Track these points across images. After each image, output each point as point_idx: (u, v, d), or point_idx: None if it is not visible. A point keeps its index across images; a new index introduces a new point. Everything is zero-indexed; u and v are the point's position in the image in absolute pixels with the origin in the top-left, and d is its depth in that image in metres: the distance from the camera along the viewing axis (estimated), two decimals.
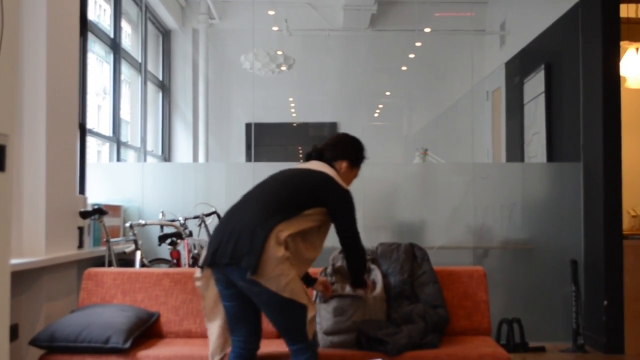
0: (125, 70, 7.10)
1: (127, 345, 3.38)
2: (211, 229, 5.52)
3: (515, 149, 7.42)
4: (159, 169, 6.26)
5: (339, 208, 3.05)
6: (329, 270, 3.85)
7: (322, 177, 3.08)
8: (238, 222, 2.92)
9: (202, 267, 3.03)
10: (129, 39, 7.43)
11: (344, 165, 3.24)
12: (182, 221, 5.24)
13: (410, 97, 9.14)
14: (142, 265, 4.69)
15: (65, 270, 4.27)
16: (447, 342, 3.62)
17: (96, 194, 5.38)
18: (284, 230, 2.83)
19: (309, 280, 3.39)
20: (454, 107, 8.75)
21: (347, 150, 3.29)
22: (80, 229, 4.56)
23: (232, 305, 3.01)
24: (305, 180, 3.08)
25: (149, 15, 7.72)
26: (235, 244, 2.82)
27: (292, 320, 2.89)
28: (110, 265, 4.58)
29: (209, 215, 5.51)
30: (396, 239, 5.50)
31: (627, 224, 5.87)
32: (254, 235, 2.79)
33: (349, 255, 3.16)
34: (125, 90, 7.22)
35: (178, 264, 4.92)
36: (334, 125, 8.81)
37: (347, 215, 3.08)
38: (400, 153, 9.39)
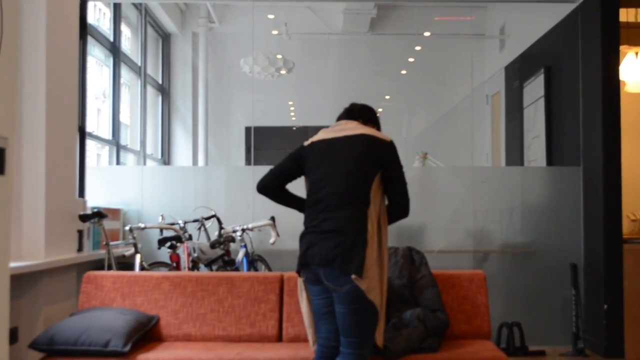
0: (125, 73, 7.10)
1: (127, 348, 3.37)
2: (210, 233, 5.52)
3: (515, 153, 7.42)
4: (158, 173, 6.26)
5: (392, 160, 3.14)
6: None
7: (370, 139, 3.12)
8: (329, 226, 2.96)
9: (299, 273, 3.13)
10: (128, 43, 7.43)
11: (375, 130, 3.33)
12: (181, 224, 5.23)
13: (410, 101, 9.15)
14: (142, 268, 4.68)
15: (64, 274, 4.26)
16: (447, 346, 3.62)
17: (96, 197, 5.38)
18: (372, 220, 2.95)
19: None
20: (453, 111, 8.75)
21: (375, 118, 3.40)
22: (80, 232, 4.56)
23: (321, 299, 3.06)
24: (363, 150, 3.09)
25: (148, 19, 7.73)
26: (330, 247, 2.91)
27: (366, 321, 2.94)
28: (109, 268, 4.57)
29: (208, 218, 5.50)
30: (396, 243, 5.48)
31: (626, 228, 5.87)
32: (355, 239, 2.89)
33: (400, 213, 3.20)
34: (124, 94, 7.22)
35: (177, 268, 4.92)
36: None
37: (399, 164, 3.17)
38: (400, 157, 9.37)
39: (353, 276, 2.82)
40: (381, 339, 3.04)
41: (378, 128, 3.36)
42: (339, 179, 3.03)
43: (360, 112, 3.32)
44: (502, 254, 5.80)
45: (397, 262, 4.04)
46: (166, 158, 8.39)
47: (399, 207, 3.16)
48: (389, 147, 3.13)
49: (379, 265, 2.97)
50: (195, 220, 5.45)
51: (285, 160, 3.29)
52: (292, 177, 3.29)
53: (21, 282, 3.79)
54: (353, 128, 3.16)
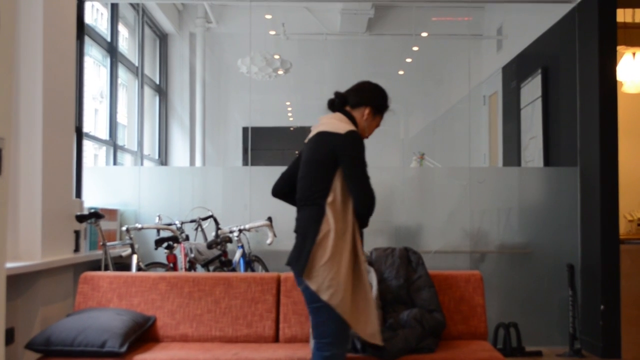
0: (122, 74, 7.10)
1: (123, 349, 3.37)
2: (208, 233, 5.51)
3: (512, 154, 7.43)
4: (155, 173, 6.25)
5: (344, 153, 2.93)
6: None
7: (324, 136, 3.00)
8: (295, 227, 3.03)
9: None
10: (126, 43, 7.42)
11: (366, 112, 3.14)
12: (178, 225, 5.23)
13: (407, 102, 9.15)
14: (139, 269, 4.68)
15: (61, 274, 4.26)
16: (444, 347, 3.62)
17: (93, 198, 5.38)
18: (330, 220, 2.87)
19: None
20: (451, 111, 8.76)
21: (370, 96, 3.19)
22: (77, 233, 4.56)
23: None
24: (317, 150, 3.01)
25: (146, 19, 7.72)
26: (293, 248, 2.97)
27: (324, 322, 2.90)
28: (106, 269, 4.57)
29: (205, 219, 5.50)
30: (393, 243, 5.49)
31: (623, 228, 5.88)
32: (305, 239, 2.91)
33: (359, 211, 2.96)
34: (122, 94, 7.21)
35: (174, 268, 4.91)
36: None
37: (351, 156, 2.94)
38: (397, 157, 9.40)
39: (304, 276, 2.85)
40: (364, 332, 2.92)
41: (374, 105, 3.17)
42: (301, 182, 3.04)
43: (347, 98, 3.16)
44: (499, 255, 5.80)
45: (394, 263, 4.04)
46: (163, 158, 8.39)
47: (356, 203, 2.93)
48: (340, 140, 2.95)
49: (344, 265, 2.85)
50: (192, 221, 5.45)
51: (291, 162, 3.27)
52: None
53: (18, 282, 3.79)
54: (319, 125, 3.09)
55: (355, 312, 2.89)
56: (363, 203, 2.92)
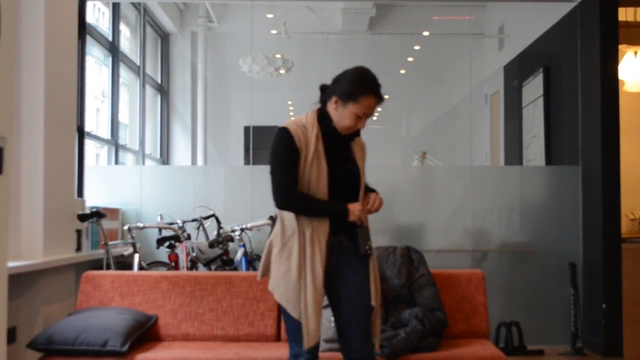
0: (124, 73, 7.10)
1: (125, 348, 3.37)
2: (209, 232, 5.52)
3: (514, 152, 7.42)
4: (157, 172, 6.26)
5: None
6: None
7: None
8: None
9: None
10: (127, 42, 7.43)
11: (334, 101, 2.86)
12: (180, 224, 5.24)
13: (409, 101, 9.14)
14: (140, 268, 4.69)
15: (63, 273, 4.26)
16: (445, 346, 3.62)
17: (94, 197, 5.38)
18: (282, 220, 2.85)
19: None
20: (452, 110, 8.75)
21: (336, 83, 2.91)
22: (79, 232, 4.56)
23: None
24: None
25: (147, 19, 7.73)
26: None
27: (285, 320, 2.84)
28: (108, 268, 4.57)
29: (207, 218, 5.50)
30: (395, 242, 5.49)
31: (625, 227, 5.87)
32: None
33: (275, 205, 2.84)
34: (123, 94, 7.22)
35: (176, 267, 4.92)
36: None
37: (271, 152, 2.94)
38: (398, 156, 9.39)
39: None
40: (310, 340, 2.69)
41: (338, 92, 2.86)
42: None
43: (328, 90, 2.95)
44: (501, 253, 5.80)
45: (396, 262, 4.03)
46: (165, 158, 8.39)
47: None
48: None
49: (294, 265, 2.72)
50: (194, 220, 5.46)
51: None
52: None
53: (19, 281, 3.79)
54: None
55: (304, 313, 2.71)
56: (274, 199, 2.81)
